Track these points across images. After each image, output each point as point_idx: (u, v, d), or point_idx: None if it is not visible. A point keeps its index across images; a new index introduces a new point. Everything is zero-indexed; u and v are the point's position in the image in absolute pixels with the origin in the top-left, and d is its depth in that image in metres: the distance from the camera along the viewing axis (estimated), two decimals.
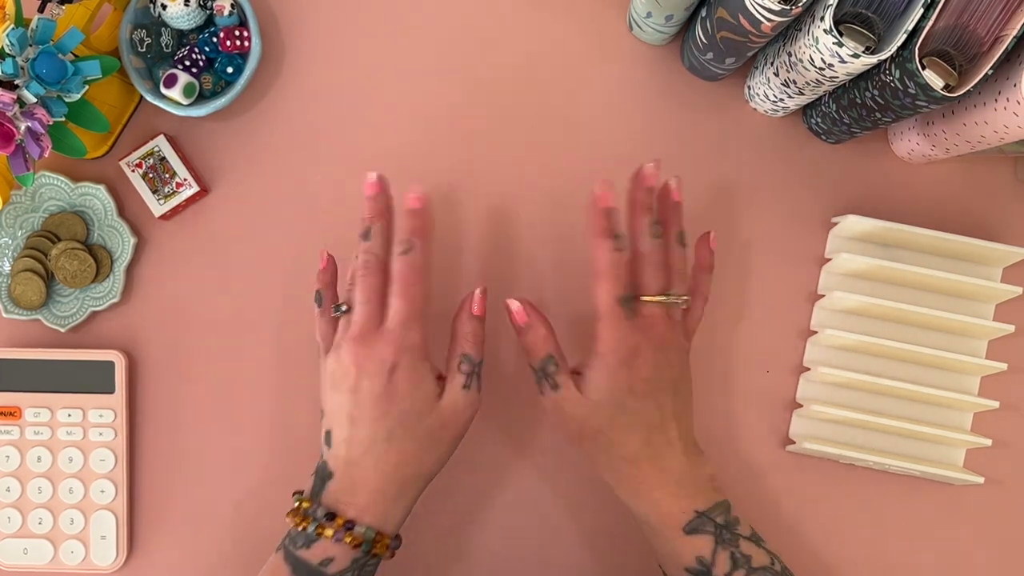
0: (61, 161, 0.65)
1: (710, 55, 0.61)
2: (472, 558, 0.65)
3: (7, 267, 0.64)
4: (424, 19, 0.66)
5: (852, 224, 0.63)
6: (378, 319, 0.54)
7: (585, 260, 0.55)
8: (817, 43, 0.51)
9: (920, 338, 0.64)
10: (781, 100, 0.62)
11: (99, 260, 0.64)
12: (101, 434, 0.64)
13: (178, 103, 0.62)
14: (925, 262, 0.64)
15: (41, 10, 0.54)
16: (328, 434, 0.55)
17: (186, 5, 0.61)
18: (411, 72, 0.66)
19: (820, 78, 0.55)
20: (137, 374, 0.66)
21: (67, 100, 0.55)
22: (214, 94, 0.64)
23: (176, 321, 0.66)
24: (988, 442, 0.63)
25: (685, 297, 0.56)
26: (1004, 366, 0.63)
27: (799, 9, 0.50)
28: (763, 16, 0.51)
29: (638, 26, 0.64)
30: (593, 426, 0.54)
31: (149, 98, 0.63)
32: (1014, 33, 0.49)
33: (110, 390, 0.64)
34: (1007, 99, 0.51)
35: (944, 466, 0.64)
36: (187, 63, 0.63)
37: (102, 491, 0.64)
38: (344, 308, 0.56)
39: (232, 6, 0.63)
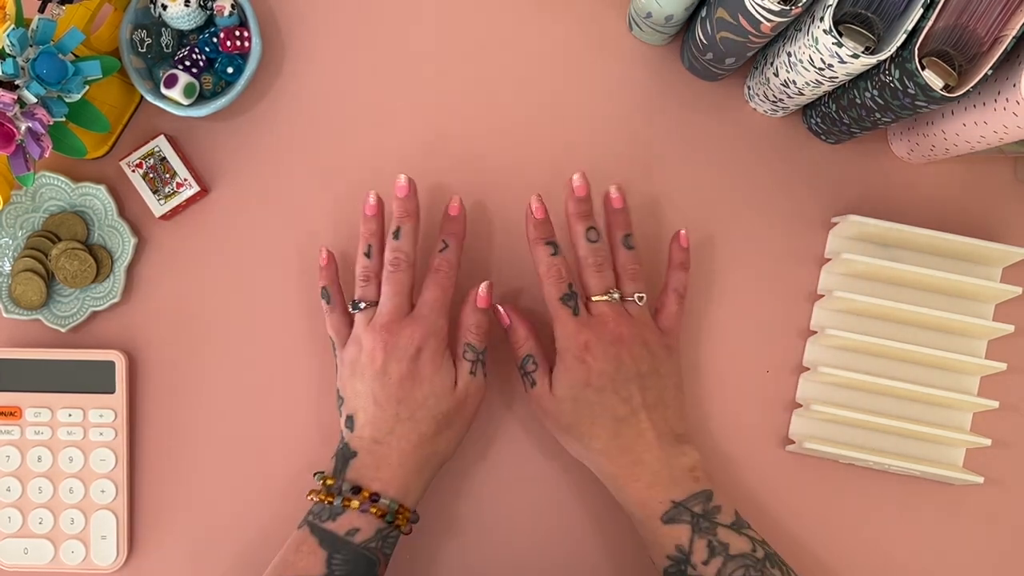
0: (61, 161, 0.65)
1: (710, 55, 0.61)
2: (466, 535, 0.65)
3: (7, 267, 0.64)
4: (424, 20, 0.66)
5: (852, 224, 0.63)
6: (405, 311, 0.58)
7: None
8: (817, 43, 0.51)
9: (920, 338, 0.64)
10: (781, 100, 0.62)
11: (99, 260, 0.64)
12: (101, 434, 0.64)
13: (178, 103, 0.62)
14: (925, 262, 0.64)
15: (42, 10, 0.54)
16: (350, 418, 0.58)
17: (186, 5, 0.61)
18: (411, 72, 0.66)
19: (820, 78, 0.55)
20: (137, 374, 0.66)
21: (67, 100, 0.55)
22: (214, 94, 0.64)
23: (176, 321, 0.66)
24: (988, 442, 0.63)
25: (640, 295, 0.59)
26: (1004, 366, 0.63)
27: (799, 9, 0.50)
28: (763, 16, 0.51)
29: (638, 26, 0.64)
30: (565, 420, 0.58)
31: (149, 98, 0.63)
32: (1013, 33, 0.49)
33: (110, 390, 0.64)
34: (1007, 99, 0.51)
35: (944, 466, 0.64)
36: (187, 63, 0.63)
37: (102, 491, 0.64)
38: (362, 305, 0.59)
39: (232, 6, 0.63)
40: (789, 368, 0.66)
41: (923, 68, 0.52)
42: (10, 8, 0.51)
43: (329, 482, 0.57)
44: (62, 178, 0.64)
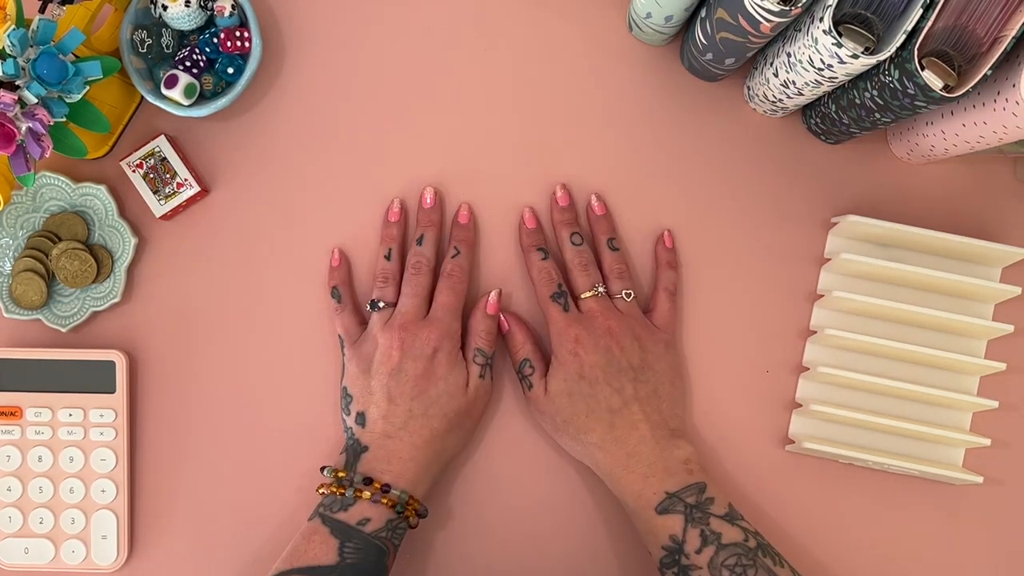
0: (62, 161, 0.65)
1: (710, 56, 0.61)
2: (467, 532, 0.65)
3: (8, 267, 0.64)
4: (424, 19, 0.67)
5: (852, 224, 0.63)
6: (422, 312, 0.61)
7: None
8: (816, 44, 0.52)
9: (919, 338, 0.64)
10: (780, 100, 0.62)
11: (100, 260, 0.64)
12: (102, 434, 0.64)
13: (179, 104, 0.62)
14: (924, 262, 0.64)
15: (42, 11, 0.54)
16: (361, 415, 0.60)
17: (187, 6, 0.61)
18: (411, 72, 0.66)
19: (819, 79, 0.55)
20: (138, 374, 0.66)
21: (68, 101, 0.55)
22: (215, 95, 0.64)
23: (177, 321, 0.66)
24: (987, 442, 0.63)
25: (627, 291, 0.62)
26: (1003, 366, 0.63)
27: (798, 10, 0.50)
28: (762, 17, 0.51)
29: (638, 27, 0.64)
30: (562, 417, 0.60)
31: (150, 99, 0.63)
32: (1013, 34, 0.49)
33: (111, 390, 0.64)
34: (1006, 99, 0.51)
35: (943, 466, 0.64)
36: (188, 64, 0.63)
37: (103, 491, 0.65)
38: (380, 305, 0.62)
39: (233, 7, 0.63)
40: (789, 368, 0.66)
41: (923, 68, 0.52)
42: (10, 8, 0.51)
43: (340, 475, 0.58)
44: (63, 178, 0.64)
